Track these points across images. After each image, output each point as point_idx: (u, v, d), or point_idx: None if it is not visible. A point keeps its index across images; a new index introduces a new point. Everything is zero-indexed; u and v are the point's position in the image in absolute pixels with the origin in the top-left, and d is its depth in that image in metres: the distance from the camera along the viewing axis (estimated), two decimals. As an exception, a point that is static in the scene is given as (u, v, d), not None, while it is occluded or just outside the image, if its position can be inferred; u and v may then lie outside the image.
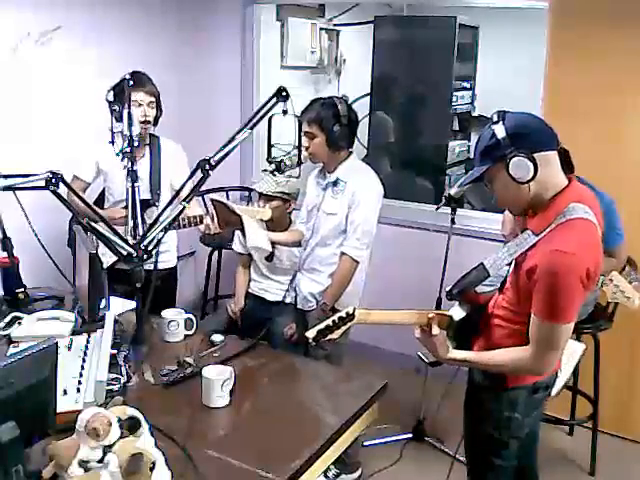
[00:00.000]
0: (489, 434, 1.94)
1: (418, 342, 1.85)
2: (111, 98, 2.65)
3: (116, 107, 2.63)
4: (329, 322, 1.73)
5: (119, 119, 2.70)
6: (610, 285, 2.44)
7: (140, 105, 2.73)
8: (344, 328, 1.76)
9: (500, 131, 1.67)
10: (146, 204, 2.76)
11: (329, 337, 1.75)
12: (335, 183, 2.67)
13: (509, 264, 1.81)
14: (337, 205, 2.66)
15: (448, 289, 1.88)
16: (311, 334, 1.72)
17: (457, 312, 1.90)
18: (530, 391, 1.88)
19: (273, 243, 2.83)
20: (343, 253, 2.66)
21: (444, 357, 1.81)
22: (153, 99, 2.79)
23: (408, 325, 1.83)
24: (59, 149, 3.17)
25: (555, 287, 1.62)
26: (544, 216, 1.70)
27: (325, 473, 2.88)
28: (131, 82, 2.38)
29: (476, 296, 1.96)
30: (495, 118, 1.70)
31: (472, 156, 1.86)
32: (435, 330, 1.78)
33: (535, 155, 1.64)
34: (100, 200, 3.02)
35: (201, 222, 2.71)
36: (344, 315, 1.74)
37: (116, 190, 2.89)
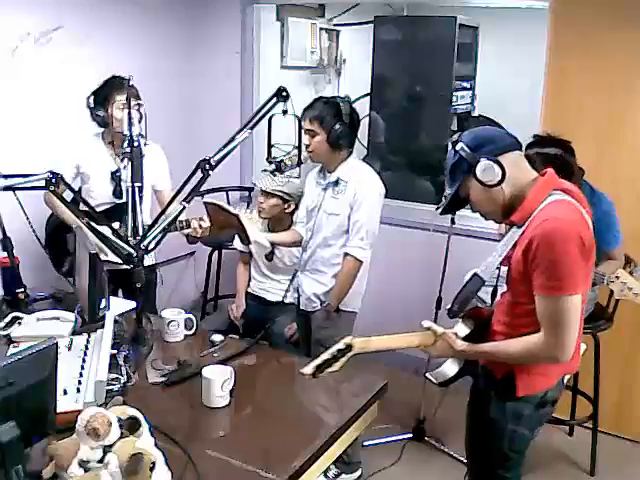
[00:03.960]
0: (493, 446, 1.91)
1: (426, 354, 1.87)
2: (92, 104, 2.66)
3: (100, 112, 2.64)
4: (327, 356, 1.70)
5: (102, 124, 2.71)
6: (617, 282, 2.44)
7: (123, 108, 2.70)
8: (344, 360, 1.73)
9: (460, 147, 1.77)
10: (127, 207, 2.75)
11: (330, 370, 1.72)
12: (336, 183, 2.67)
13: (501, 264, 1.80)
14: (339, 205, 2.66)
15: (448, 307, 1.88)
16: (309, 370, 1.68)
17: (461, 329, 1.88)
18: (537, 404, 1.84)
19: (271, 243, 2.83)
20: (347, 254, 2.66)
21: (458, 350, 1.81)
22: (138, 101, 2.78)
23: (412, 348, 1.84)
24: (59, 149, 3.16)
25: (552, 252, 1.62)
26: (524, 206, 1.73)
27: (325, 473, 2.88)
28: (130, 83, 2.38)
29: (479, 310, 1.95)
30: (455, 138, 1.80)
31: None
32: (439, 329, 1.79)
33: (499, 158, 1.71)
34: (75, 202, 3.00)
35: (188, 227, 2.68)
36: (342, 347, 1.72)
37: (96, 192, 2.85)
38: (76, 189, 2.86)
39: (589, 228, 1.72)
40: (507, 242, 1.77)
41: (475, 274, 1.84)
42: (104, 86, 2.71)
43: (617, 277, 2.44)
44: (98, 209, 2.83)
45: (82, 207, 2.89)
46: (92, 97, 2.70)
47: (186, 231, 2.69)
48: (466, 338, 1.85)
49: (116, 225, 2.65)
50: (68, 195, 2.19)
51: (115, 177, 2.78)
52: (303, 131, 2.51)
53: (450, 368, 1.95)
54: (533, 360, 1.77)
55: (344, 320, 2.78)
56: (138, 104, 2.75)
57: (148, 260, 3.02)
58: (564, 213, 1.66)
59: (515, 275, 1.74)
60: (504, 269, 1.84)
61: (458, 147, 1.77)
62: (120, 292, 2.87)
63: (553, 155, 2.53)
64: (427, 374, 1.98)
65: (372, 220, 2.65)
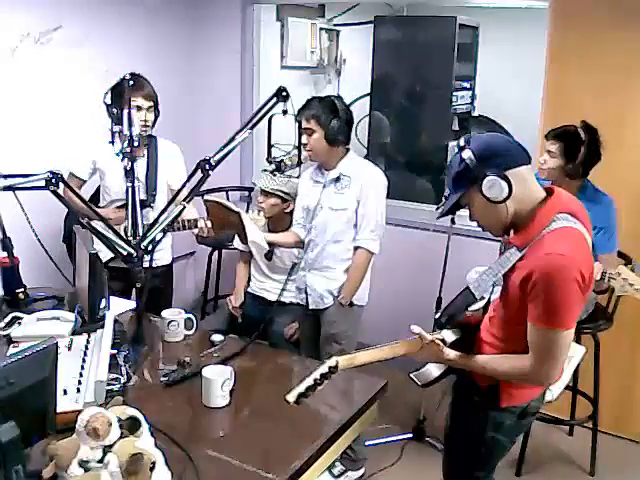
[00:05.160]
0: (471, 450, 1.90)
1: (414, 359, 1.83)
2: (109, 101, 2.66)
3: (115, 110, 2.64)
4: (310, 382, 1.64)
5: (117, 122, 2.71)
6: (618, 279, 2.45)
7: (140, 109, 2.72)
8: (328, 380, 1.68)
9: (468, 155, 1.65)
10: (141, 205, 2.76)
11: (315, 391, 1.66)
12: (337, 179, 2.69)
13: (494, 284, 1.77)
14: (345, 200, 2.68)
15: (437, 316, 1.85)
16: (292, 398, 1.62)
17: (449, 335, 1.84)
18: (519, 415, 1.83)
19: (270, 243, 2.84)
20: (358, 247, 2.70)
21: (445, 359, 1.78)
22: (152, 103, 2.79)
23: (399, 357, 1.79)
24: (59, 149, 3.17)
25: (552, 289, 1.57)
26: (528, 231, 1.66)
27: (330, 470, 2.89)
28: (131, 82, 2.37)
29: (467, 317, 1.91)
30: (462, 143, 1.69)
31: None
32: (428, 336, 1.75)
33: (507, 173, 1.63)
34: (94, 198, 3.02)
35: (195, 226, 2.70)
36: (326, 370, 1.67)
37: (112, 189, 2.89)
38: (97, 184, 2.98)
39: (590, 260, 1.65)
40: (504, 263, 1.71)
41: (467, 288, 1.80)
42: (119, 84, 2.71)
43: (618, 273, 2.45)
44: (115, 205, 2.89)
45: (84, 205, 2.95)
46: (109, 94, 2.70)
47: (195, 230, 2.71)
48: (453, 344, 1.81)
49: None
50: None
51: (129, 174, 2.80)
52: (301, 130, 2.52)
53: (434, 370, 1.92)
54: (518, 380, 1.76)
55: (356, 314, 2.82)
56: (152, 107, 2.76)
57: (165, 259, 3.05)
58: (568, 247, 1.59)
59: (511, 297, 1.69)
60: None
61: (465, 155, 1.65)
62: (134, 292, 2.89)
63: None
64: (411, 374, 1.95)
65: (379, 211, 2.71)
